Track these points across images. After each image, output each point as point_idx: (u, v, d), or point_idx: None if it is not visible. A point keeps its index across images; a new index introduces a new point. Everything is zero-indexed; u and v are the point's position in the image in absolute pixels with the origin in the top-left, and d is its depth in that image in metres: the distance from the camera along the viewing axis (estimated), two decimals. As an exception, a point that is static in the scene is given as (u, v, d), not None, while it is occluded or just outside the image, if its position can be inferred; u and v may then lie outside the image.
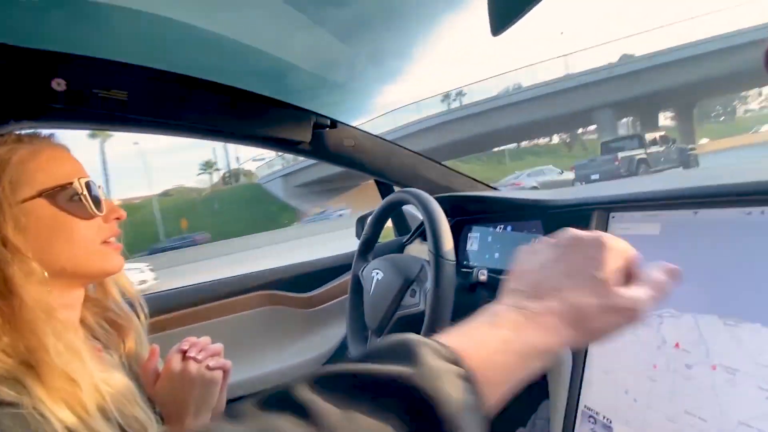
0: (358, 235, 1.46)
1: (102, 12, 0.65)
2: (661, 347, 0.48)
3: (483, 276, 0.73)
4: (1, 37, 0.66)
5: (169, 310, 0.96)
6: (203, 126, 0.90)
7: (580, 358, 0.59)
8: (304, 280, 1.17)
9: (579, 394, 0.57)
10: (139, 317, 0.59)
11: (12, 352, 0.42)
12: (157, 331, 0.79)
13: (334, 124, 1.08)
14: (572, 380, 0.59)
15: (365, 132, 1.16)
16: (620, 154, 11.67)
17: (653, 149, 12.23)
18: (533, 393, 1.02)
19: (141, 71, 0.80)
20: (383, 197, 1.39)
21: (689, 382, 0.44)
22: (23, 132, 0.51)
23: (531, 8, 0.43)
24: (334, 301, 1.18)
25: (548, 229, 0.74)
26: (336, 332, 1.16)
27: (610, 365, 0.55)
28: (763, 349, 0.38)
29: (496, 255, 0.89)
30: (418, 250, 1.19)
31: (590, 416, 0.54)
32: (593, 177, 11.45)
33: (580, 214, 0.68)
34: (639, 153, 11.85)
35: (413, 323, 0.67)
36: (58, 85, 0.72)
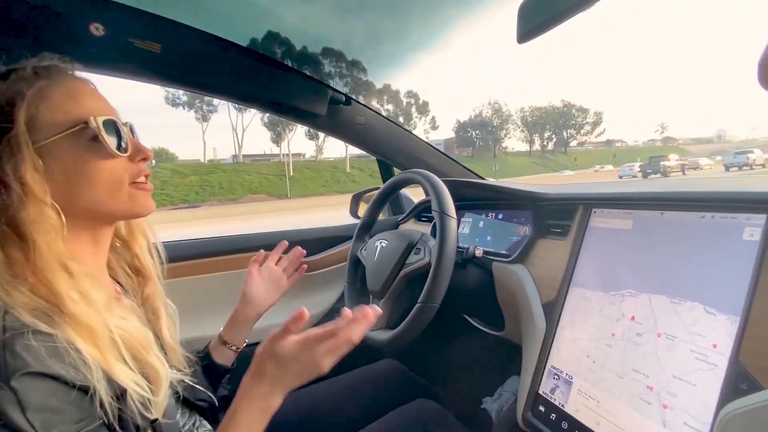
0: (352, 212, 1.53)
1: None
2: (620, 320, 0.58)
3: (479, 251, 0.82)
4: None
5: (179, 259, 1.02)
6: (229, 87, 0.94)
7: (552, 329, 0.70)
8: (306, 245, 1.24)
9: (548, 357, 0.68)
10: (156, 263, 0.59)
11: (39, 291, 0.40)
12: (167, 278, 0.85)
13: (348, 100, 1.14)
14: (543, 346, 0.70)
15: (376, 112, 1.22)
16: (661, 162, 23.33)
17: (671, 162, 23.81)
18: (501, 370, 1.14)
19: (177, 27, 0.83)
20: (383, 177, 1.47)
21: (638, 347, 0.54)
22: (42, 64, 0.45)
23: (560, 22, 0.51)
24: (331, 267, 1.26)
25: (537, 218, 0.83)
26: (330, 296, 1.25)
27: (577, 334, 0.65)
28: (696, 321, 0.49)
29: (488, 238, 0.98)
30: (414, 228, 1.28)
31: (555, 374, 0.65)
32: (648, 171, 23.02)
33: (566, 208, 0.78)
34: (666, 163, 23.42)
35: (417, 279, 0.75)
36: (96, 29, 0.75)
